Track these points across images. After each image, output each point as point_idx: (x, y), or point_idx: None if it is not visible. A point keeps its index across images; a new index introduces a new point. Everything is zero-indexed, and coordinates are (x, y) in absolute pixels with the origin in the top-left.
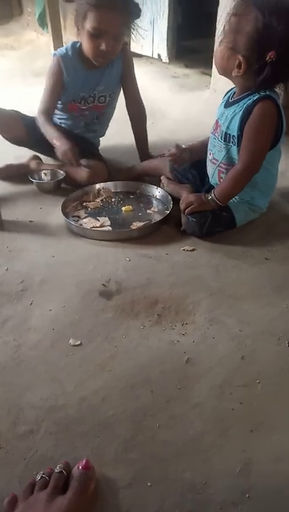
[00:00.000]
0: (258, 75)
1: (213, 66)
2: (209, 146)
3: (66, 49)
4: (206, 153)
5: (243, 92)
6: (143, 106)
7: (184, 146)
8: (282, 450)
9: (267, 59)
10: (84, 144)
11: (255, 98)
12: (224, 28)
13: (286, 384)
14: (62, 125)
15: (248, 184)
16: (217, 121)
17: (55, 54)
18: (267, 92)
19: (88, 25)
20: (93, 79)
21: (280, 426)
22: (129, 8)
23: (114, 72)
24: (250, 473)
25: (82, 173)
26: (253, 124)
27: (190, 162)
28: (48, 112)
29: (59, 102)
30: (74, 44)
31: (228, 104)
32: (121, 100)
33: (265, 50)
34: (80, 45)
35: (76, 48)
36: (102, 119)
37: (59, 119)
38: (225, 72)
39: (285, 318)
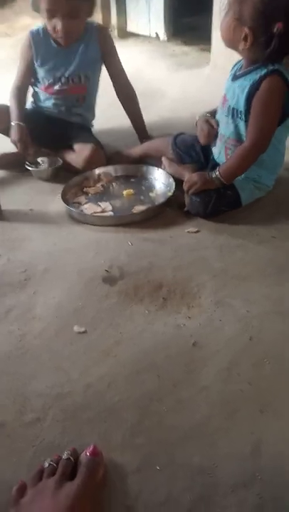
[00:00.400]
0: (265, 47)
1: (213, 42)
2: (218, 121)
3: (39, 27)
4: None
5: (250, 64)
6: (131, 87)
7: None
8: None
9: (274, 31)
10: (74, 129)
11: (262, 73)
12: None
13: None
14: (45, 112)
15: (255, 163)
16: (225, 96)
17: (28, 32)
18: (275, 66)
19: (42, 7)
20: (65, 57)
21: None
22: None
23: (89, 53)
24: (260, 455)
25: (78, 159)
26: (260, 100)
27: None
28: (19, 88)
29: (39, 87)
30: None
31: (235, 78)
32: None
33: (272, 22)
34: None
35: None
36: (83, 102)
37: (42, 106)
38: (231, 44)
39: None
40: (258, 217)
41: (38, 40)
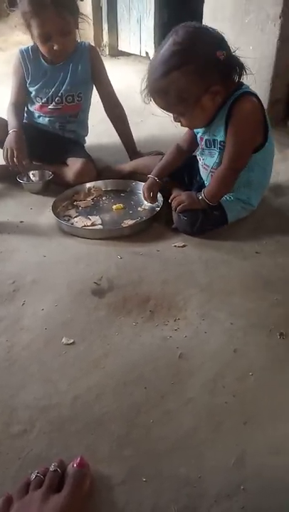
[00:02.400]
0: (227, 77)
1: None
2: (198, 153)
3: (28, 46)
4: (178, 162)
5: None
6: (121, 108)
7: (148, 181)
8: (276, 442)
9: (221, 59)
10: (67, 144)
11: (232, 100)
12: (172, 113)
13: (278, 375)
14: (39, 127)
15: (243, 184)
16: (201, 138)
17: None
18: (242, 89)
19: (35, 31)
20: (55, 75)
21: (273, 417)
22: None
23: (80, 72)
24: (244, 466)
25: (69, 173)
26: (232, 124)
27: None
28: (14, 104)
29: (33, 107)
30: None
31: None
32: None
33: (211, 62)
34: None
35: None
36: (76, 120)
37: (36, 122)
38: (209, 116)
39: (275, 310)
40: (241, 234)
41: (26, 57)
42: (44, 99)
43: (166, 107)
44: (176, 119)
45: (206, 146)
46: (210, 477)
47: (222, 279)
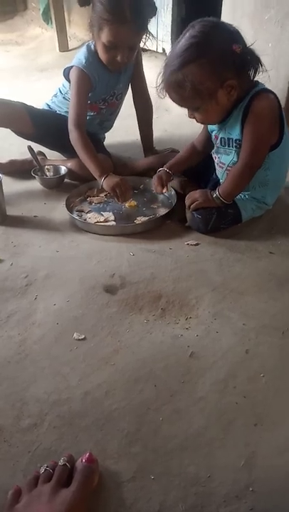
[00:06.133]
0: (245, 73)
1: None
2: (213, 151)
3: (85, 57)
4: (193, 160)
5: (235, 103)
6: (150, 101)
7: (160, 171)
8: (287, 444)
9: (238, 52)
10: (91, 141)
11: (249, 97)
12: (187, 108)
13: None
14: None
15: (259, 183)
16: (216, 136)
17: (77, 67)
18: (259, 87)
19: (104, 38)
20: (114, 80)
21: (284, 419)
22: (144, 15)
23: (128, 71)
24: (253, 467)
25: (87, 168)
26: (249, 120)
27: (175, 174)
28: (81, 126)
29: None
30: (89, 48)
31: (222, 120)
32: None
33: (227, 54)
34: (95, 46)
35: (93, 52)
36: (114, 115)
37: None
38: (224, 112)
39: (288, 312)
40: (255, 233)
41: (92, 70)
42: (98, 101)
43: (181, 101)
44: (190, 115)
45: (221, 145)
46: (219, 477)
47: (235, 279)
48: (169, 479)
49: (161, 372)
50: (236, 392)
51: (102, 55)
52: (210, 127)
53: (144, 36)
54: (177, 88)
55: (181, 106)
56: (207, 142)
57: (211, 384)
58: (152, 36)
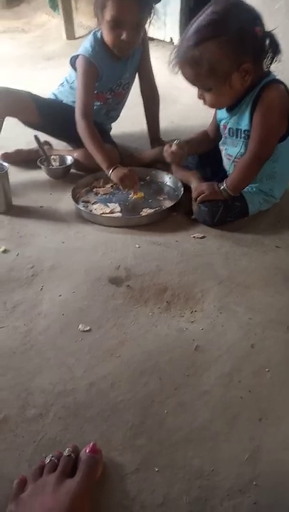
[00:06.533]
0: (261, 57)
1: None
2: (220, 143)
3: (91, 45)
4: (205, 145)
5: (245, 92)
6: (157, 91)
7: (177, 142)
8: None
9: (259, 35)
10: (98, 131)
11: (259, 87)
12: (197, 87)
13: None
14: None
15: (267, 175)
16: (224, 125)
17: (83, 55)
18: (270, 77)
19: (108, 15)
20: (120, 69)
21: (288, 415)
22: None
23: (135, 60)
24: (258, 462)
25: (93, 159)
26: (259, 114)
27: (188, 155)
28: (88, 116)
29: None
30: (95, 36)
31: (229, 108)
32: (134, 85)
33: (247, 36)
34: (102, 35)
35: (99, 41)
36: (120, 105)
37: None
38: (234, 97)
39: None
40: (262, 227)
41: (99, 59)
42: (103, 90)
43: (194, 78)
44: (200, 96)
45: (229, 135)
46: (223, 470)
47: (241, 273)
48: (173, 472)
49: (166, 365)
50: (241, 387)
51: (107, 36)
52: (219, 116)
53: (149, 17)
54: (193, 64)
55: (193, 84)
56: (217, 132)
57: (216, 378)
58: (157, 17)
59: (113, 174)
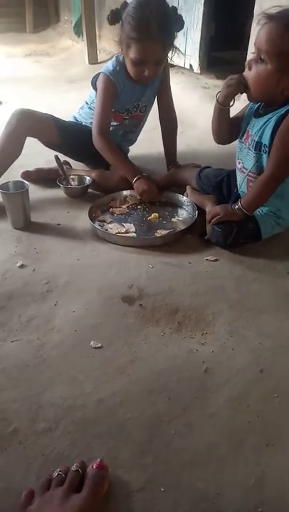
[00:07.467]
0: None
1: None
2: (238, 155)
3: (113, 65)
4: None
5: (279, 104)
6: (175, 115)
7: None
8: None
9: None
10: None
11: (286, 109)
12: (260, 51)
13: None
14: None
15: (275, 194)
16: (247, 131)
17: (104, 73)
18: None
19: (132, 54)
20: (138, 91)
21: None
22: (171, 32)
23: (154, 86)
24: (263, 487)
25: (112, 178)
26: (281, 132)
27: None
28: (105, 132)
29: None
30: (118, 59)
31: (258, 114)
32: (153, 108)
33: None
34: (124, 59)
35: (121, 63)
36: (138, 128)
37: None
38: (269, 95)
39: None
40: (275, 252)
41: (118, 78)
42: (122, 109)
43: (271, 44)
44: (249, 66)
45: (250, 147)
46: (228, 494)
47: (252, 297)
48: (178, 493)
49: (175, 386)
50: (249, 411)
51: (130, 69)
52: (247, 119)
53: (171, 51)
54: (286, 31)
55: (261, 50)
56: (234, 128)
57: (225, 401)
58: (179, 50)
59: (136, 184)
